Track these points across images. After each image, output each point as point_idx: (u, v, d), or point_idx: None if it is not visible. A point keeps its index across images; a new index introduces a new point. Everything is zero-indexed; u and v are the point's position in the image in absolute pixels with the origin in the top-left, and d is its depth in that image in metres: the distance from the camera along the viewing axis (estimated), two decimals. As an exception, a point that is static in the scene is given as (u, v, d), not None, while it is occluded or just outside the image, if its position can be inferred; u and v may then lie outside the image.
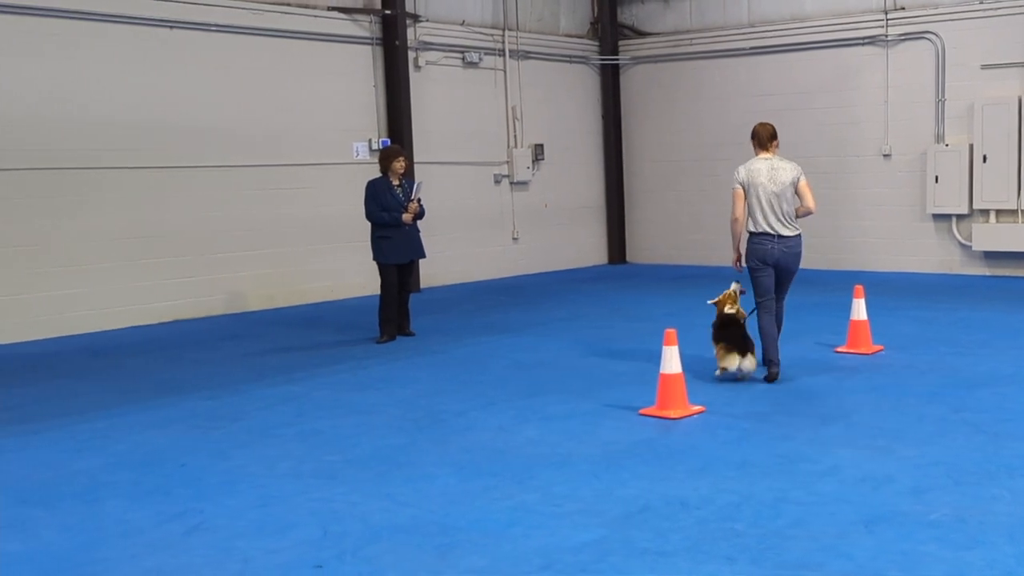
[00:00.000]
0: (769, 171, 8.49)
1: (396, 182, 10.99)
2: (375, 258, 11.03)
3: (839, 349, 9.66)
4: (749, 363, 8.42)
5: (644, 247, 18.63)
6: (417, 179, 11.81)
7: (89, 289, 12.15)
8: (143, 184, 12.58)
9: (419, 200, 11.01)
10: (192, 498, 5.95)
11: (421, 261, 11.92)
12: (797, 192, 8.53)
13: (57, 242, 11.87)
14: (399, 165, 11.01)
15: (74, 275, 12.02)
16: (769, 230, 8.48)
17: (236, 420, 7.79)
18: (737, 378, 8.52)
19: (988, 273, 15.12)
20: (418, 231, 11.18)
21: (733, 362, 8.40)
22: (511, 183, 17.01)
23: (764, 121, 8.87)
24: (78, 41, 11.99)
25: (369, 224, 11.02)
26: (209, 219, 13.23)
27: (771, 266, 8.56)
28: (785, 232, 8.49)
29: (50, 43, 11.76)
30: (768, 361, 8.59)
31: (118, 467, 6.65)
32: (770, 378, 8.54)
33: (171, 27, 12.77)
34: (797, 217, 8.59)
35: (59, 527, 5.56)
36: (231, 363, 10.14)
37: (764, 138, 8.62)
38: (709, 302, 8.94)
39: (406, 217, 10.88)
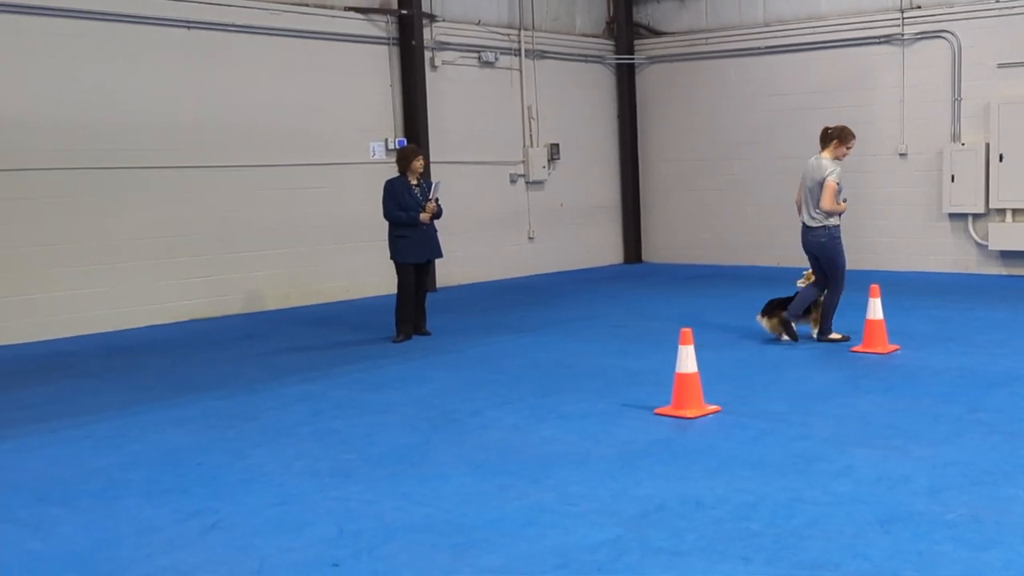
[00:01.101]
0: (810, 169, 9.78)
1: (414, 182, 11.01)
2: (392, 257, 11.05)
3: (855, 348, 9.64)
4: (765, 322, 10.05)
5: (660, 246, 18.61)
6: (434, 179, 11.84)
7: (106, 288, 12.21)
8: (159, 184, 12.63)
9: (437, 200, 11.03)
10: (209, 497, 5.98)
11: (437, 260, 11.96)
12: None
13: (74, 241, 11.92)
14: (419, 164, 11.03)
15: (91, 274, 12.08)
16: (802, 219, 9.90)
17: (252, 419, 7.83)
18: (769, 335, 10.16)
19: (1004, 272, 15.05)
20: (435, 231, 11.21)
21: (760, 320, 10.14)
22: (527, 182, 17.02)
23: (834, 125, 9.99)
24: (94, 42, 12.03)
25: (386, 223, 11.06)
26: (225, 219, 13.27)
27: (806, 250, 9.91)
28: (808, 223, 9.79)
29: (64, 44, 11.81)
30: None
31: (135, 466, 6.68)
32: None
33: (188, 27, 12.82)
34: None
35: (77, 525, 5.60)
36: (247, 362, 10.18)
37: (822, 138, 9.85)
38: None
39: (424, 217, 10.91)
